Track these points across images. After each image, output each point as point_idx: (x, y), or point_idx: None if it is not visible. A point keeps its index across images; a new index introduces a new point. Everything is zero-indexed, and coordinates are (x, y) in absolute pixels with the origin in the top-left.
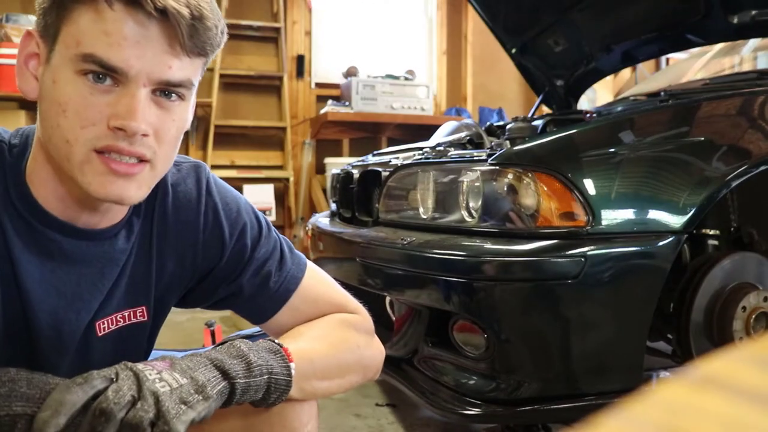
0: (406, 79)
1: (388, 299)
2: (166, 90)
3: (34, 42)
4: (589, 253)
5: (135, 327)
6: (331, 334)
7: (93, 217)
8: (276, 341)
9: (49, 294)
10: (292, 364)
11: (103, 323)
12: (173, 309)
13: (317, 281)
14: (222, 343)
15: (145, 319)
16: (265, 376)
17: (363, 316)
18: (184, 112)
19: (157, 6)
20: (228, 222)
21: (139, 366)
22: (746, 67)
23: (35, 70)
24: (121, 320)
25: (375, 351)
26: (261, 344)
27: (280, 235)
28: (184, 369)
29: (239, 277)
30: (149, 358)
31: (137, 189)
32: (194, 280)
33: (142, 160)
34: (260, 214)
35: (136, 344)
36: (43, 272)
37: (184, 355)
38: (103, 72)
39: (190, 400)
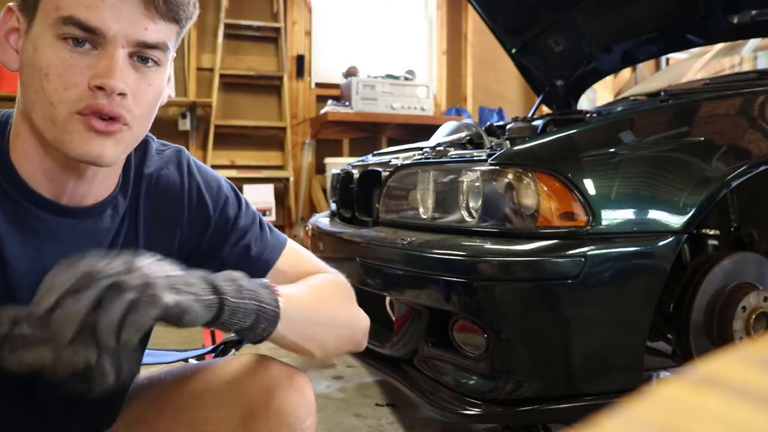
0: (406, 79)
1: (388, 299)
2: (142, 54)
3: (14, 17)
4: (589, 253)
5: None
6: (318, 288)
7: (78, 187)
8: (265, 280)
9: (32, 271)
10: (280, 298)
11: None
12: None
13: (298, 254)
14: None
15: None
16: (255, 302)
17: (347, 284)
18: (160, 78)
19: None
20: (211, 197)
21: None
22: (746, 67)
23: (15, 44)
24: None
25: (361, 313)
26: (253, 279)
27: (260, 214)
28: (179, 277)
29: (221, 249)
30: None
31: (114, 147)
32: (181, 258)
33: (120, 120)
34: (239, 192)
35: None
36: (27, 249)
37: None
38: (82, 36)
39: (181, 289)
